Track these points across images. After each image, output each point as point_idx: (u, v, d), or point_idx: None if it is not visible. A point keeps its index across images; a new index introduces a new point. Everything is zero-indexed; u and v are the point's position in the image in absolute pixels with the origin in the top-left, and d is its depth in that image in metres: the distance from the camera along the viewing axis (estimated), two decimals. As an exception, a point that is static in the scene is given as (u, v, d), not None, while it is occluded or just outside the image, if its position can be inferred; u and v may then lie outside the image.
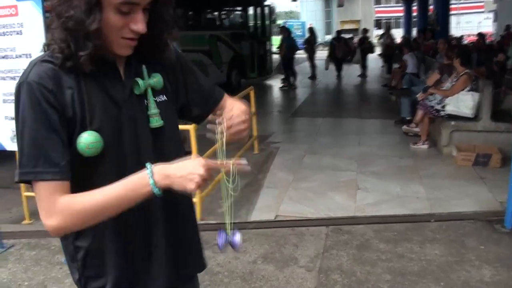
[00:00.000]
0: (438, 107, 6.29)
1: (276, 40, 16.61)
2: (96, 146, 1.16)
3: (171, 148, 1.34)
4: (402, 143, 6.84)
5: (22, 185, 3.98)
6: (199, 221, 4.47)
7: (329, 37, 26.17)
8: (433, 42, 12.20)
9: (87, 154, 1.16)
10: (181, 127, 1.57)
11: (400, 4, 33.07)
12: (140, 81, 1.25)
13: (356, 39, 19.04)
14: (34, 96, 1.13)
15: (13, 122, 1.23)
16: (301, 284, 3.22)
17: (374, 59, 16.56)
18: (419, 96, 6.75)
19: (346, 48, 16.33)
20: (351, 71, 16.44)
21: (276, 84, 14.98)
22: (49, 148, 1.13)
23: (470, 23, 40.44)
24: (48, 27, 1.20)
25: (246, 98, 6.54)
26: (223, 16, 14.09)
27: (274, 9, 17.10)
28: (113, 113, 1.21)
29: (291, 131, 8.56)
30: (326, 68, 15.75)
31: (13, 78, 3.40)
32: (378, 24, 41.98)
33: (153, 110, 1.27)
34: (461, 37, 16.33)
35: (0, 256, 3.78)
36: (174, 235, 1.37)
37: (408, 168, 5.68)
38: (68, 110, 1.16)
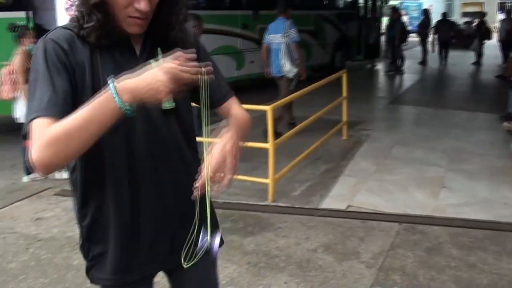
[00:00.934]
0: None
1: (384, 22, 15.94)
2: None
3: (182, 130, 1.38)
4: (503, 142, 6.29)
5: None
6: (269, 203, 4.50)
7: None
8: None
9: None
10: None
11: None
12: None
13: (475, 23, 17.65)
14: (47, 50, 1.22)
15: None
16: (357, 280, 3.13)
17: (493, 46, 15.24)
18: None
19: (451, 32, 15.38)
20: (465, 58, 15.35)
21: (383, 68, 14.45)
22: (45, 94, 1.17)
23: None
24: None
25: (339, 82, 6.42)
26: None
27: (387, -12, 16.40)
28: None
29: (386, 119, 8.23)
30: (433, 51, 15.19)
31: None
32: (502, 7, 38.31)
33: None
34: None
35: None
36: (169, 208, 1.40)
37: (502, 170, 5.20)
38: (79, 74, 1.23)
